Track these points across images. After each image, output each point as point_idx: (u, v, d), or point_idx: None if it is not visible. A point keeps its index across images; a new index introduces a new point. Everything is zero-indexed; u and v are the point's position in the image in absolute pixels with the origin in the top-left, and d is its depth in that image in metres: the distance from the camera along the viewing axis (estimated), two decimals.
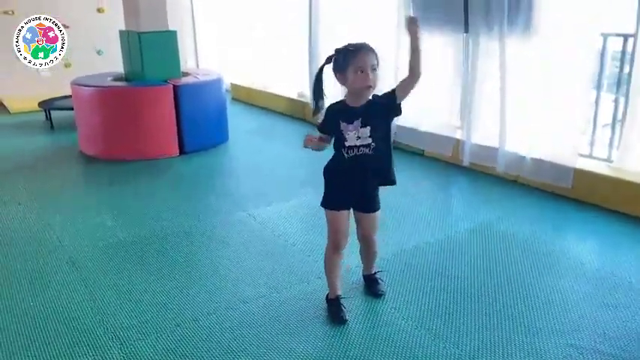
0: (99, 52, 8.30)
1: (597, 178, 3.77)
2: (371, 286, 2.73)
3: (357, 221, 2.53)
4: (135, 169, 4.82)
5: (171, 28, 5.50)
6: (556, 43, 3.83)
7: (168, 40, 5.40)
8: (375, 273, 2.76)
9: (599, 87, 3.98)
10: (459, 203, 3.91)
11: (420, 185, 4.30)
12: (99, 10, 8.27)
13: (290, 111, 6.89)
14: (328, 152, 2.43)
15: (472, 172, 4.52)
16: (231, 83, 8.07)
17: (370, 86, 2.24)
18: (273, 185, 4.37)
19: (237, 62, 8.03)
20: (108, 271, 3.02)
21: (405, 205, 3.83)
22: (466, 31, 4.36)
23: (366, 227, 2.53)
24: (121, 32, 5.66)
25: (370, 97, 2.32)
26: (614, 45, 3.87)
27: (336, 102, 2.37)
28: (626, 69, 3.78)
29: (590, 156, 4.03)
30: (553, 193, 4.00)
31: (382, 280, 2.75)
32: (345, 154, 2.32)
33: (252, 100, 7.71)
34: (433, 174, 4.48)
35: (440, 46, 4.71)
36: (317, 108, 2.41)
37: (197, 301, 2.69)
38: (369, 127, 2.28)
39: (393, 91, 2.31)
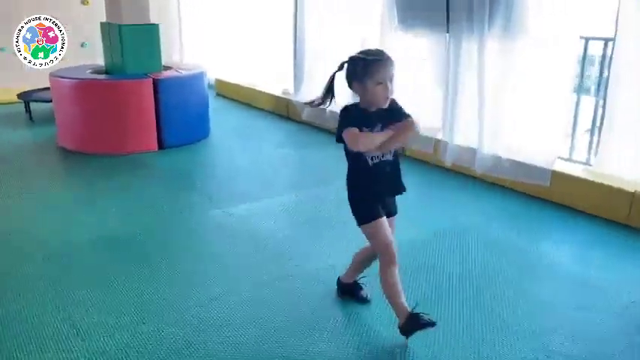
0: (83, 45, 8.20)
1: (575, 181, 3.77)
2: (356, 291, 2.64)
3: None
4: (113, 164, 4.75)
5: (157, 22, 5.43)
6: (537, 46, 3.83)
7: (149, 33, 5.33)
8: (360, 279, 2.68)
9: (579, 90, 3.99)
10: (436, 204, 3.90)
11: None
12: (83, 2, 8.17)
13: (274, 108, 6.85)
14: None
15: (453, 173, 4.51)
16: (216, 79, 8.00)
17: (388, 97, 2.21)
18: (252, 183, 4.32)
19: (222, 58, 7.97)
20: (83, 268, 2.96)
21: None
22: (447, 30, 4.34)
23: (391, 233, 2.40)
24: (102, 24, 5.59)
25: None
26: (595, 49, 3.89)
27: (352, 105, 2.26)
28: (606, 73, 3.79)
29: (569, 159, 4.04)
30: (532, 195, 3.99)
31: (365, 285, 2.67)
32: (370, 161, 2.25)
33: (236, 96, 7.66)
34: (415, 174, 4.45)
35: (422, 46, 4.69)
36: (320, 103, 2.31)
37: (172, 298, 2.64)
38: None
39: (405, 115, 2.29)
